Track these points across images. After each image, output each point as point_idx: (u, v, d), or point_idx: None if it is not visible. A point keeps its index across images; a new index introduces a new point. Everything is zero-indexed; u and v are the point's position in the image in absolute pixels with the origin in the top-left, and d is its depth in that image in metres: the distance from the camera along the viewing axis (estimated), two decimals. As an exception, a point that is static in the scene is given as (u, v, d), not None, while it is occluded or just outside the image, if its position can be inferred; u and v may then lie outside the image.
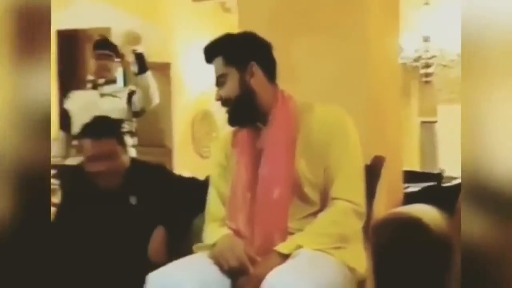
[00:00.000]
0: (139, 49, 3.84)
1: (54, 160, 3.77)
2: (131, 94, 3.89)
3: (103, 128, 2.58)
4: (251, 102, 2.03)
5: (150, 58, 6.37)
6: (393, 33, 3.19)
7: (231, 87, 2.03)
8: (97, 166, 2.53)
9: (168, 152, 6.75)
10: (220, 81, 2.06)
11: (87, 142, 2.54)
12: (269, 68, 2.09)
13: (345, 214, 1.94)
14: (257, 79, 2.04)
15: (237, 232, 2.02)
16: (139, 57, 3.82)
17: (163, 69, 6.66)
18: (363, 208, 1.99)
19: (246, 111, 2.05)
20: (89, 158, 2.55)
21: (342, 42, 2.79)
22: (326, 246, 1.87)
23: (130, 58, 3.82)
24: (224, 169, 2.14)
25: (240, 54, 2.05)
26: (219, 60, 2.06)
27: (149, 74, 3.84)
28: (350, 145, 2.00)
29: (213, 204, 2.16)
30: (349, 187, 1.98)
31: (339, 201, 1.96)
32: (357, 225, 1.99)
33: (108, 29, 5.65)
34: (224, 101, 2.07)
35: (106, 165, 2.52)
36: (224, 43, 2.08)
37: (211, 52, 2.08)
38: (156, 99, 3.89)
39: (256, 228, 1.98)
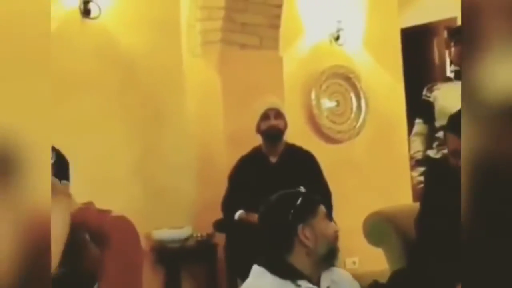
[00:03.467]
0: None
1: (416, 154, 3.88)
2: None
3: None
4: None
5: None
6: None
7: None
8: (459, 162, 2.48)
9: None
10: None
11: (450, 137, 2.53)
12: None
13: None
14: None
15: None
16: None
17: None
18: None
19: None
20: (452, 153, 2.52)
21: None
22: None
23: None
24: None
25: None
26: None
27: None
28: None
29: None
30: None
31: None
32: None
33: (454, 19, 5.55)
34: None
35: None
36: None
37: None
38: None
39: None
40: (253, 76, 4.36)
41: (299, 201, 2.05)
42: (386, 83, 5.43)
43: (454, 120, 2.56)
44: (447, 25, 5.47)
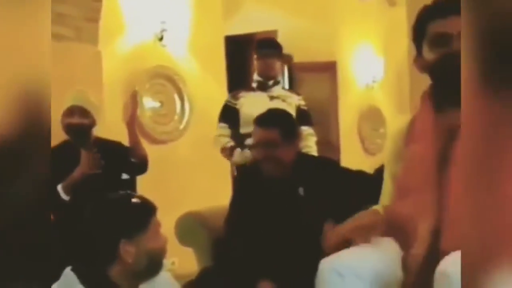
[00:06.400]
0: (303, 102, 3.94)
1: (227, 144, 3.92)
2: (299, 109, 3.91)
3: (270, 118, 2.75)
4: None
5: (317, 57, 6.35)
6: None
7: None
8: (258, 153, 2.71)
9: (335, 149, 6.65)
10: None
11: (256, 129, 2.74)
12: None
13: None
14: None
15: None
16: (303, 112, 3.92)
17: (329, 68, 6.67)
18: None
19: None
20: (254, 144, 2.79)
21: None
22: None
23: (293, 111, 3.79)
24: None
25: None
26: None
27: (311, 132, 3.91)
28: None
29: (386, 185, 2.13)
30: None
31: None
32: None
33: (275, 32, 5.81)
34: None
35: (265, 153, 2.67)
36: None
37: None
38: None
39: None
40: (68, 69, 4.04)
41: (126, 215, 1.86)
42: (210, 87, 5.44)
43: (260, 116, 2.78)
44: (268, 36, 5.55)
